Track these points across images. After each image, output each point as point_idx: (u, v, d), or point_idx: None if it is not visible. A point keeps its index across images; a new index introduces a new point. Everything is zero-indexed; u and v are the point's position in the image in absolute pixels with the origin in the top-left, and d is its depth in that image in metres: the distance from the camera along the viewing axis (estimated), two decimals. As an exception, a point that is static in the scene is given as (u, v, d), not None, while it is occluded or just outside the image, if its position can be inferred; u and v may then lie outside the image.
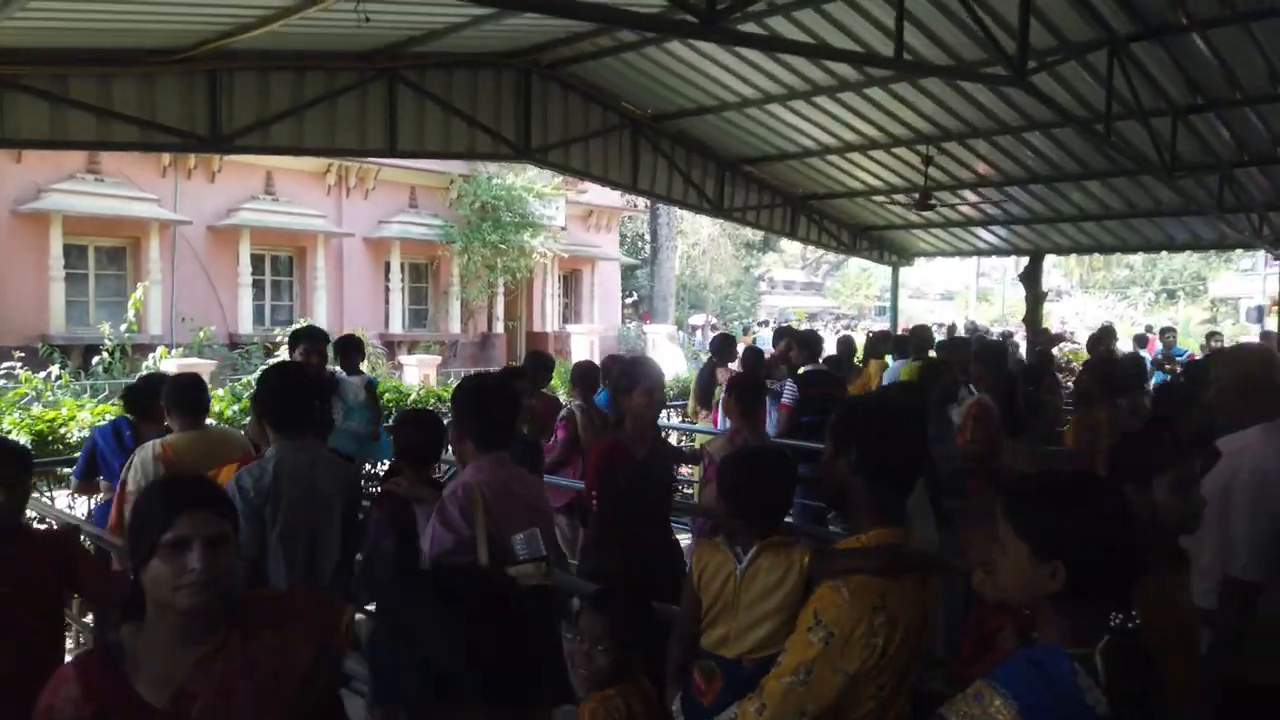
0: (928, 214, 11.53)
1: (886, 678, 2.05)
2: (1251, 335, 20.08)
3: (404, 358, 15.94)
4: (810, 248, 50.40)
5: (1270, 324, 22.24)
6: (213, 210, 17.22)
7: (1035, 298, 12.52)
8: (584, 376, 6.06)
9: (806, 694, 1.98)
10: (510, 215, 19.09)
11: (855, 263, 52.05)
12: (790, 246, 49.06)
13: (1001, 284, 52.43)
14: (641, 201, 32.83)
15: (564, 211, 20.91)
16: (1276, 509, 2.78)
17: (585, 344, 17.66)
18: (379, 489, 4.42)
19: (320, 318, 17.87)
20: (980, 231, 12.04)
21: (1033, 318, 12.45)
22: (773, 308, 43.83)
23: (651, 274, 21.02)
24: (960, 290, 52.55)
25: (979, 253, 13.99)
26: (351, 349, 6.58)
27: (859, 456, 2.15)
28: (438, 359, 16.79)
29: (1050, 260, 13.61)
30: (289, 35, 6.78)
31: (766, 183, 11.04)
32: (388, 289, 19.56)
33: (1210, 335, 14.52)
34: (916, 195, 9.48)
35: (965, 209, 10.86)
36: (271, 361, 14.18)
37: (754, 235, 36.88)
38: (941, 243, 12.84)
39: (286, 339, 8.35)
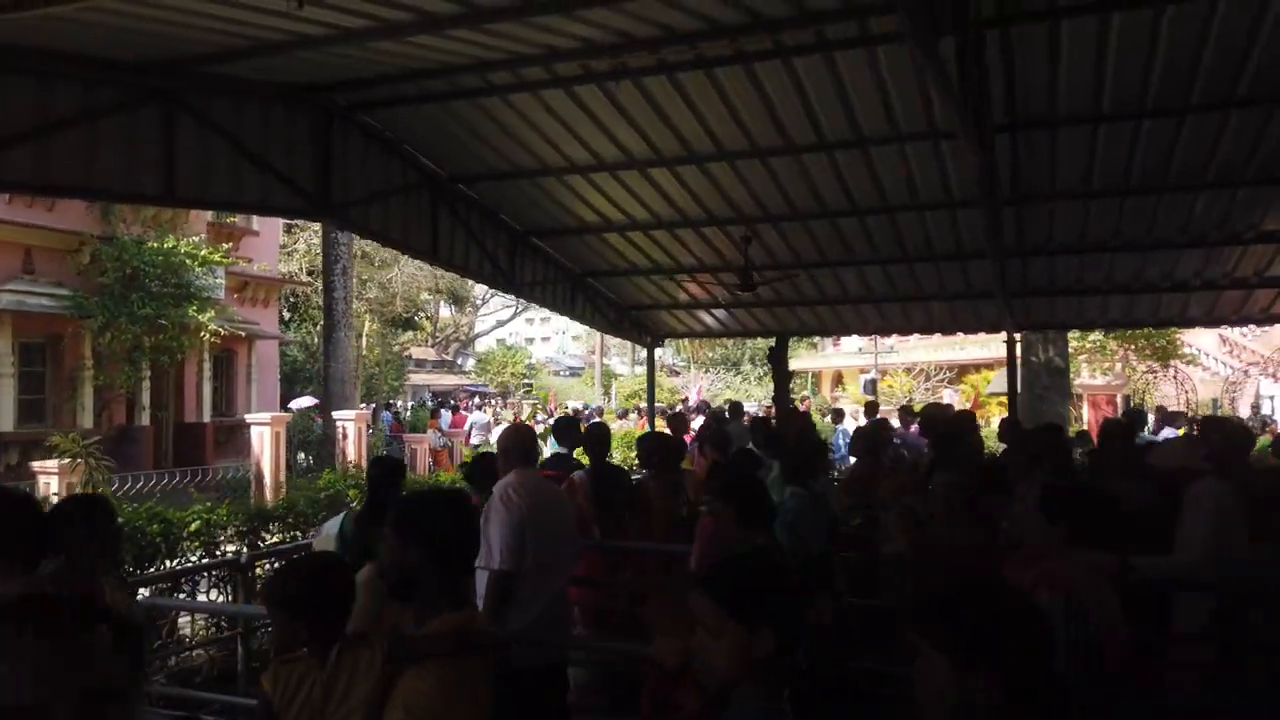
0: (687, 294, 11.41)
1: None
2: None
3: (38, 464, 12.43)
4: (440, 327, 49.74)
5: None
6: None
7: (783, 377, 12.86)
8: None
9: None
10: (164, 286, 15.98)
11: (495, 340, 52.09)
12: (425, 324, 47.77)
13: (625, 363, 55.50)
14: (300, 272, 29.88)
15: (224, 282, 18.08)
16: (523, 517, 4.21)
17: (270, 435, 15.12)
18: None
19: (-107, 415, 13.51)
20: (738, 311, 12.10)
21: (781, 397, 12.74)
22: (409, 386, 42.20)
23: (327, 353, 18.77)
24: (586, 368, 54.66)
25: (728, 333, 14.15)
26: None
27: (427, 547, 2.38)
28: (80, 464, 13.35)
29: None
30: (35, 26, 4.77)
31: (551, 256, 10.15)
32: (-9, 375, 15.36)
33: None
34: (735, 274, 9.20)
35: (716, 290, 10.76)
36: None
37: (402, 313, 35.09)
38: (694, 321, 12.74)
39: None
